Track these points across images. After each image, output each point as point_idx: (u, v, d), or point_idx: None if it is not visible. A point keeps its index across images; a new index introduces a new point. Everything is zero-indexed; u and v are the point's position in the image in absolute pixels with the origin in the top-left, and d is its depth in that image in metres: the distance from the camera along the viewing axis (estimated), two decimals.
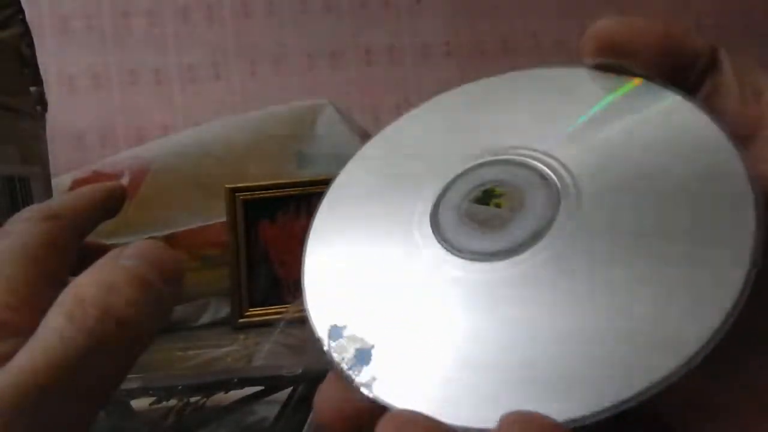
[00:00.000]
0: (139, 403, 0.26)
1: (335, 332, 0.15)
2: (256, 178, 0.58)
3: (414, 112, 0.19)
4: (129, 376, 0.31)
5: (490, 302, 0.14)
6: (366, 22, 1.33)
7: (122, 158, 0.65)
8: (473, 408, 0.12)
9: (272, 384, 0.28)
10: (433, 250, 0.15)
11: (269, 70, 1.33)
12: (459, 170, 0.16)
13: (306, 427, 0.22)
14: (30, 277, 0.16)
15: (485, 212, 0.15)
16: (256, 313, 0.54)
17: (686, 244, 0.13)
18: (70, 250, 0.18)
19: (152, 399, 0.27)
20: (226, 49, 1.30)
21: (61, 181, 0.58)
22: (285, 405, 0.26)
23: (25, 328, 0.14)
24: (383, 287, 0.15)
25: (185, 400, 0.27)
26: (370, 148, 0.19)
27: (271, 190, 0.57)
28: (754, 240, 0.12)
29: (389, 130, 0.19)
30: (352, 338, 0.14)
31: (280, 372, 0.28)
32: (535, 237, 0.14)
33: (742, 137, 0.15)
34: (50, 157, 0.39)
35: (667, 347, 0.11)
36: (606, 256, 0.13)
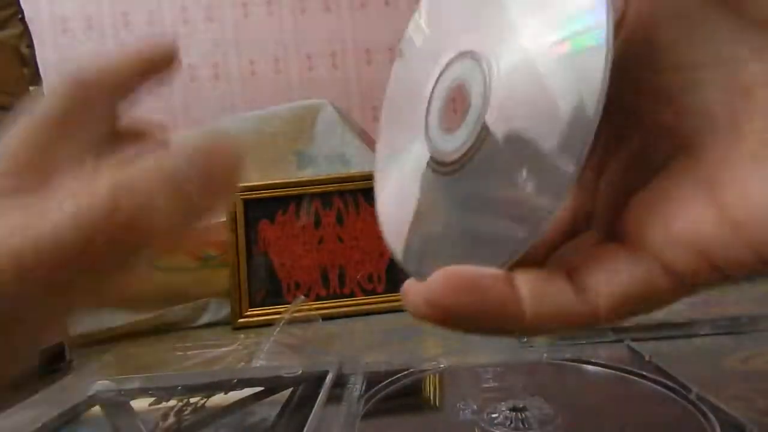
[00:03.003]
0: (139, 403, 0.26)
1: None
2: (256, 178, 0.59)
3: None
4: (129, 376, 0.31)
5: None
6: (366, 22, 1.33)
7: None
8: None
9: (272, 385, 0.28)
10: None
11: (269, 70, 1.33)
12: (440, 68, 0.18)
13: (306, 427, 0.22)
14: (34, 143, 0.15)
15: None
16: (256, 313, 0.54)
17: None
18: (96, 111, 0.17)
19: (152, 399, 0.27)
20: (227, 49, 1.30)
21: None
22: (285, 406, 0.26)
23: (27, 191, 0.14)
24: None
25: (185, 400, 0.27)
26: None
27: (271, 190, 0.57)
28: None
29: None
30: None
31: (280, 372, 0.28)
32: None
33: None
34: None
35: None
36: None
